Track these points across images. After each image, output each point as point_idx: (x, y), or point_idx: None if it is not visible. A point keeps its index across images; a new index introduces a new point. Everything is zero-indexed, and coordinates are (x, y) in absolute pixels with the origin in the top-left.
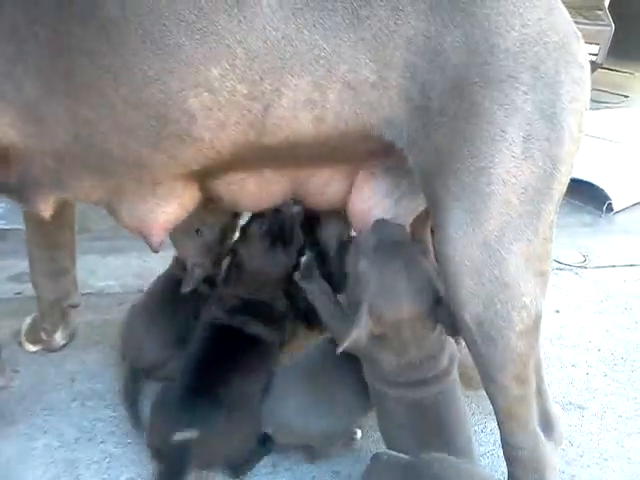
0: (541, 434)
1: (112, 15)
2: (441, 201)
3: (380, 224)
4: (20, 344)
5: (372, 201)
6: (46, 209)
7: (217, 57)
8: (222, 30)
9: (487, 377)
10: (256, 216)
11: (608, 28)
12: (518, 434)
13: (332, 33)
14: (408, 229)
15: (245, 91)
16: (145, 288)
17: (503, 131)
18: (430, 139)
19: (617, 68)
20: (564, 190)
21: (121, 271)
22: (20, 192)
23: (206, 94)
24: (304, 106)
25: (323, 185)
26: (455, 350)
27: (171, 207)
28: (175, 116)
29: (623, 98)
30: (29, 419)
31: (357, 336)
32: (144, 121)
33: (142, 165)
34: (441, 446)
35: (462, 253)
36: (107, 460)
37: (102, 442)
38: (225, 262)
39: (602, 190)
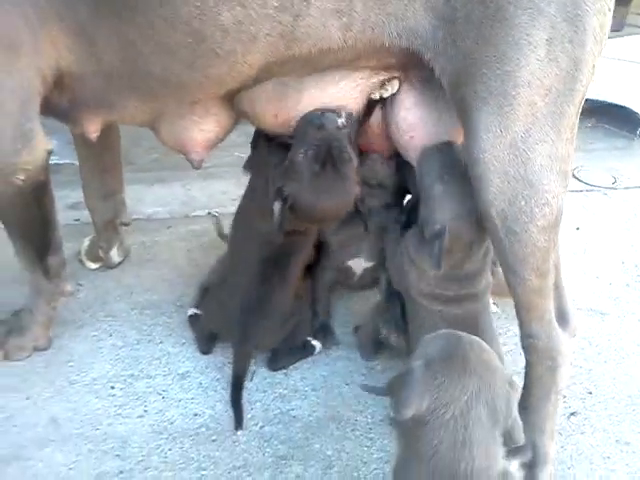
0: (556, 325)
1: None
2: (469, 106)
3: (441, 147)
4: (81, 262)
5: (415, 113)
6: (94, 130)
7: None
8: None
9: (509, 269)
10: (296, 144)
11: None
12: (535, 324)
13: None
14: None
15: (275, 3)
16: (190, 214)
17: (527, 34)
18: (457, 47)
19: None
20: (586, 92)
21: (167, 199)
22: (70, 114)
23: (239, 8)
24: (332, 14)
25: (364, 88)
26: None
27: (209, 125)
28: (210, 31)
29: None
30: (95, 324)
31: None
32: (182, 39)
33: (181, 85)
34: None
35: (490, 154)
36: (166, 357)
37: (160, 343)
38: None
39: (636, 113)
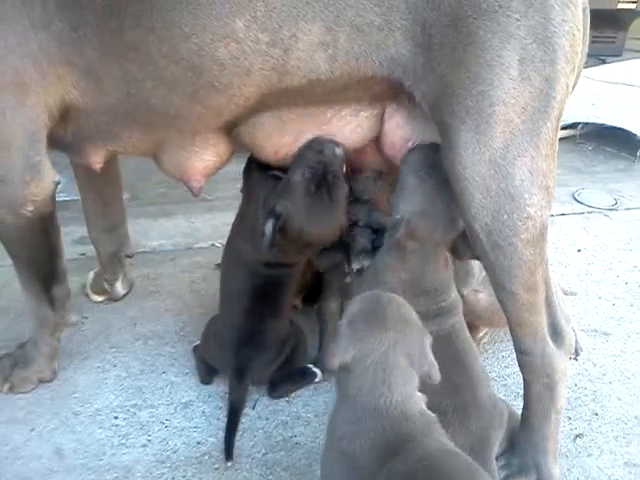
0: (550, 342)
1: None
2: (448, 126)
3: (428, 147)
4: (87, 296)
5: (408, 128)
6: (97, 162)
7: (241, 11)
8: None
9: (498, 285)
10: (294, 165)
11: None
12: (529, 341)
13: None
14: None
15: (267, 39)
16: (193, 246)
17: (499, 56)
18: (434, 72)
19: None
20: (562, 109)
21: (171, 232)
22: (74, 146)
23: (233, 44)
24: (318, 47)
25: (351, 125)
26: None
27: (208, 155)
28: (208, 66)
29: None
30: (100, 355)
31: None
32: (182, 73)
33: (182, 117)
34: (460, 374)
35: (471, 170)
36: (169, 387)
37: (164, 372)
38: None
39: (635, 135)
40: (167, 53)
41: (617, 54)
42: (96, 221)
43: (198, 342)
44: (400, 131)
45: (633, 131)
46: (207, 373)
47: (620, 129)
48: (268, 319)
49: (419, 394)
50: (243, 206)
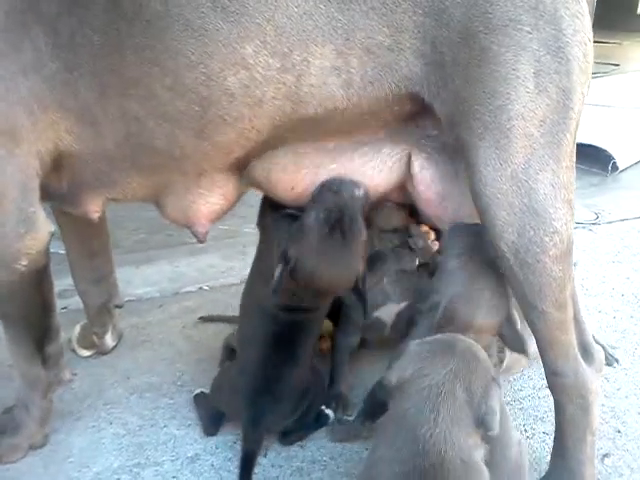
0: (582, 361)
1: (156, 10)
2: (467, 143)
3: (472, 227)
4: (73, 351)
5: (436, 187)
6: (95, 210)
7: (250, 36)
8: (252, 10)
9: (527, 305)
10: (310, 206)
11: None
12: (561, 361)
13: (345, 5)
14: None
15: (277, 64)
16: (180, 291)
17: (514, 69)
18: (448, 89)
19: (605, 40)
20: (579, 119)
21: (156, 278)
22: (70, 197)
23: (243, 71)
24: (331, 72)
25: (374, 162)
26: None
27: (214, 198)
28: (216, 97)
29: (614, 67)
30: (94, 414)
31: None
32: (188, 107)
33: (187, 156)
34: None
35: (492, 187)
36: (172, 441)
37: (165, 426)
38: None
39: (605, 151)
40: (172, 85)
41: None
42: (83, 273)
43: (199, 390)
44: (428, 192)
45: (603, 147)
46: (212, 423)
47: (590, 146)
48: (287, 367)
49: (473, 442)
50: (260, 247)
